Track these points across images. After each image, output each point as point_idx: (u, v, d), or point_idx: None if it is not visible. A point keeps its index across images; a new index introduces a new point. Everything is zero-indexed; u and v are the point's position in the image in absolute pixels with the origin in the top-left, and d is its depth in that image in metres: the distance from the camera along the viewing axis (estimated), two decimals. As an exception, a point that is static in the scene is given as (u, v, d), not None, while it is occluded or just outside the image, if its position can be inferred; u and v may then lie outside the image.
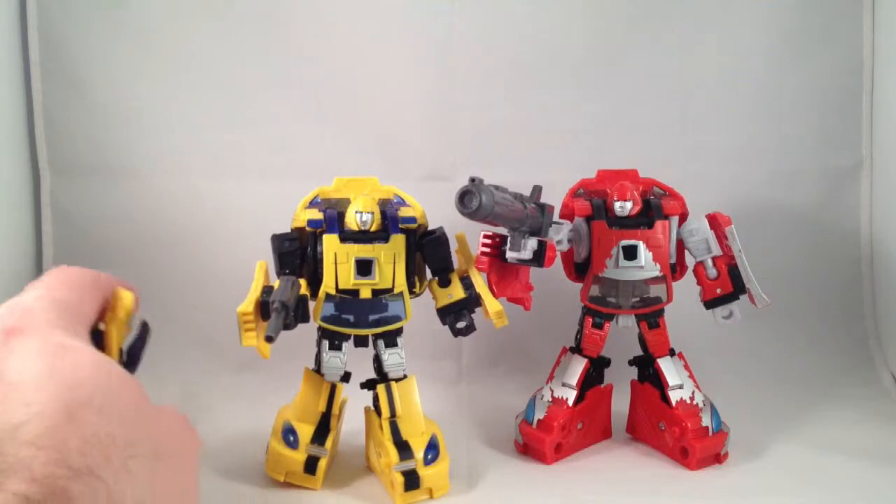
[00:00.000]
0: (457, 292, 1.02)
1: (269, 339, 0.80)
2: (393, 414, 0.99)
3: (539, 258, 0.97)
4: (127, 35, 1.36)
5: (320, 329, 1.01)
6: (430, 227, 1.04)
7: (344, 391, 1.04)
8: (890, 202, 1.40)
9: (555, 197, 1.07)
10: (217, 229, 1.40)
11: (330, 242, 0.98)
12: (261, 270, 0.96)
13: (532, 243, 0.96)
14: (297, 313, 0.90)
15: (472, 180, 0.81)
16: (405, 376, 1.03)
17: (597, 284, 1.10)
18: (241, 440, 1.12)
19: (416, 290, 1.04)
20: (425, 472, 0.96)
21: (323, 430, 1.00)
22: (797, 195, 1.45)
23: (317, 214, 1.00)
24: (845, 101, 1.44)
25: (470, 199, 0.81)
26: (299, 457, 0.98)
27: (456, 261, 1.05)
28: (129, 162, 1.39)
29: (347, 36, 1.39)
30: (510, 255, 0.97)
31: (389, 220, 1.00)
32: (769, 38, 1.41)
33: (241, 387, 1.32)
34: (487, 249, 1.01)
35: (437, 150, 1.41)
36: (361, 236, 0.98)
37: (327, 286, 0.98)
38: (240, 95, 1.39)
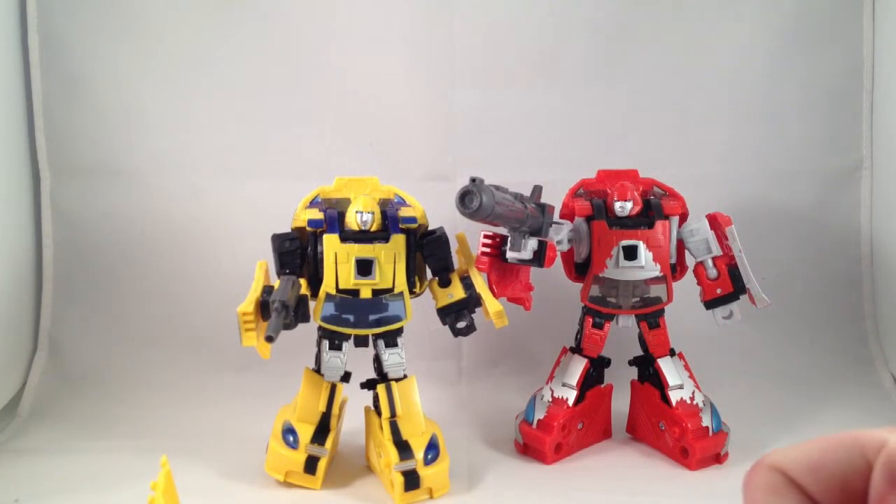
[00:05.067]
0: (457, 292, 1.02)
1: (270, 339, 0.80)
2: (393, 414, 0.99)
3: (539, 258, 0.97)
4: (127, 35, 1.36)
5: (320, 329, 1.01)
6: (430, 227, 1.04)
7: (344, 391, 1.04)
8: (890, 202, 1.40)
9: (555, 197, 1.07)
10: (217, 229, 1.40)
11: (330, 242, 0.98)
12: (261, 270, 0.96)
13: (532, 243, 0.96)
14: (297, 313, 0.90)
15: (473, 180, 0.81)
16: (405, 376, 1.03)
17: (597, 284, 1.10)
18: (241, 440, 1.12)
19: (417, 290, 1.04)
20: (425, 472, 0.96)
21: (323, 430, 1.00)
22: (797, 195, 1.45)
23: (317, 214, 1.00)
24: (845, 101, 1.44)
25: (470, 200, 0.81)
26: (299, 457, 0.98)
27: (456, 261, 1.05)
28: (129, 162, 1.39)
29: (347, 36, 1.39)
30: (510, 255, 0.97)
31: (390, 220, 1.00)
32: (769, 37, 1.41)
33: (241, 387, 1.32)
34: (488, 249, 1.01)
35: (436, 150, 1.41)
36: (362, 236, 0.98)
37: (327, 286, 0.98)
38: (240, 95, 1.39)
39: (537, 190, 1.02)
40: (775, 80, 1.42)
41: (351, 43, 1.39)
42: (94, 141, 1.38)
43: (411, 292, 1.02)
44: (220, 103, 1.39)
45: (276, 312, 0.83)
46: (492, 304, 1.00)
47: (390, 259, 0.98)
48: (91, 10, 1.35)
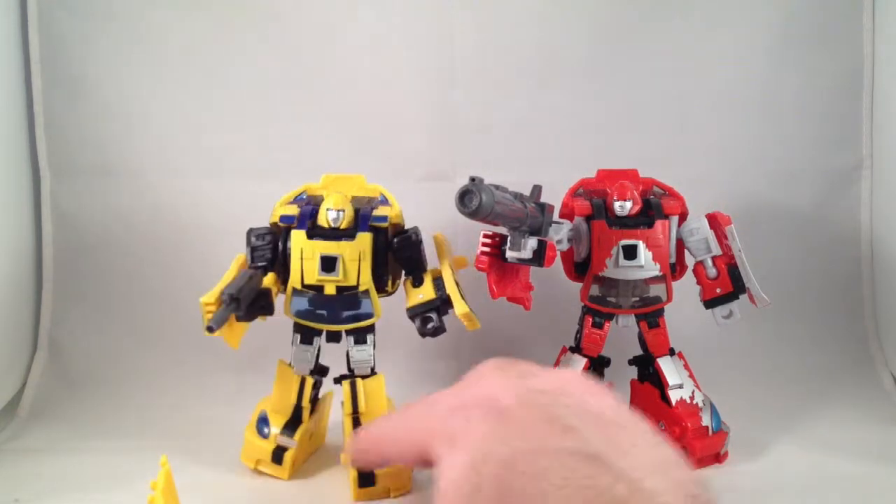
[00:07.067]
0: (427, 293, 1.02)
1: (210, 330, 0.83)
2: (355, 410, 1.01)
3: (539, 258, 0.97)
4: (128, 35, 1.36)
5: (294, 323, 1.02)
6: (418, 228, 1.04)
7: (330, 386, 1.06)
8: (890, 202, 1.40)
9: (555, 197, 1.07)
10: (217, 229, 1.40)
11: (297, 238, 0.99)
12: (236, 263, 0.99)
13: (532, 243, 0.96)
14: (256, 305, 0.92)
15: (473, 180, 0.81)
16: (373, 373, 1.03)
17: (597, 284, 1.10)
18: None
19: (389, 288, 1.04)
20: (381, 472, 0.97)
21: (295, 421, 1.02)
22: (797, 195, 1.45)
23: (290, 210, 1.02)
24: (845, 101, 1.44)
25: (470, 199, 0.81)
26: (268, 446, 1.01)
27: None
28: (129, 162, 1.39)
29: (347, 35, 1.39)
30: (510, 254, 0.97)
31: (360, 219, 1.00)
32: (769, 38, 1.41)
33: (241, 387, 1.32)
34: (487, 249, 1.01)
35: (437, 150, 1.41)
36: (330, 233, 0.99)
37: (293, 281, 1.00)
38: (240, 95, 1.39)
39: (537, 189, 1.02)
40: (775, 80, 1.42)
41: (351, 43, 1.39)
42: (94, 141, 1.38)
43: (383, 291, 1.03)
44: (220, 103, 1.39)
45: (225, 305, 0.86)
46: (459, 307, 0.99)
47: (355, 257, 0.99)
48: (91, 10, 1.35)
